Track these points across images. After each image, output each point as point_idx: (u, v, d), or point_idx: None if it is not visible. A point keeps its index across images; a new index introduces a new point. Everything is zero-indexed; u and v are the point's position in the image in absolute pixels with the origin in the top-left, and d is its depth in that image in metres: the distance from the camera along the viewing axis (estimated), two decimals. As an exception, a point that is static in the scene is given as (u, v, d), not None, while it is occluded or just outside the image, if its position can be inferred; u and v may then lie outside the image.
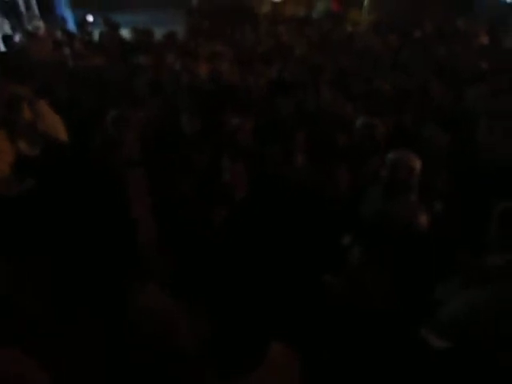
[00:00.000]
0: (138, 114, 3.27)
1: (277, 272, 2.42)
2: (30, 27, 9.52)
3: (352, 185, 2.96)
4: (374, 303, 2.16)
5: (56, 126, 2.47)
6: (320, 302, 2.31)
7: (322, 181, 2.92)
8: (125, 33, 7.17)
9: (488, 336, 1.49)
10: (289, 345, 1.44)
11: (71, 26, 7.78)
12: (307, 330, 2.13)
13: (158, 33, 6.79)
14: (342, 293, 2.29)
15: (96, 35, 7.03)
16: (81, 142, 2.84)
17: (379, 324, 2.11)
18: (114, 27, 6.90)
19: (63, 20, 7.67)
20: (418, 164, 2.53)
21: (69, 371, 1.62)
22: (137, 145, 2.81)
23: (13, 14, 10.68)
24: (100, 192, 2.36)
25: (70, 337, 1.92)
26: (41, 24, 9.72)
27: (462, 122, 3.66)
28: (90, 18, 7.71)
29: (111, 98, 3.79)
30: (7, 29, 9.59)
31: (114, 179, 2.39)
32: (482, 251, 1.82)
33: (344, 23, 10.35)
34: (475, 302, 1.56)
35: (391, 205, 2.54)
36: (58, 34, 6.91)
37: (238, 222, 2.52)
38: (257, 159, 3.07)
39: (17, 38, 7.77)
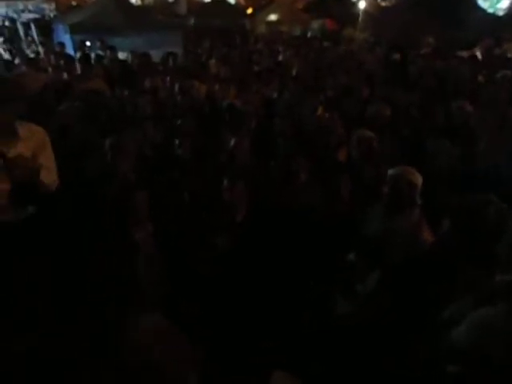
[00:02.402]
0: (136, 138, 3.26)
1: (281, 293, 2.37)
2: (29, 52, 9.69)
3: (353, 199, 2.93)
4: (381, 324, 2.12)
5: (48, 165, 2.31)
6: (324, 326, 2.25)
7: (326, 197, 2.89)
8: (121, 56, 7.27)
9: (500, 357, 1.44)
10: (291, 373, 1.39)
11: (70, 50, 7.87)
12: (310, 357, 2.06)
13: (154, 55, 6.87)
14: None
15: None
16: (73, 169, 2.80)
17: (386, 344, 2.05)
18: (113, 50, 6.98)
19: (61, 45, 7.76)
20: (419, 179, 2.51)
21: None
22: (131, 171, 2.78)
23: (13, 40, 10.89)
24: (99, 218, 2.34)
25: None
26: (40, 49, 9.89)
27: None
28: (88, 43, 7.83)
29: (108, 122, 3.78)
30: (7, 55, 9.76)
31: (112, 205, 2.36)
32: (496, 269, 1.77)
33: (340, 41, 10.52)
34: (485, 322, 1.52)
35: (393, 221, 2.50)
36: (56, 59, 6.97)
37: (241, 248, 2.48)
38: (256, 178, 3.05)
39: (16, 61, 7.88)
